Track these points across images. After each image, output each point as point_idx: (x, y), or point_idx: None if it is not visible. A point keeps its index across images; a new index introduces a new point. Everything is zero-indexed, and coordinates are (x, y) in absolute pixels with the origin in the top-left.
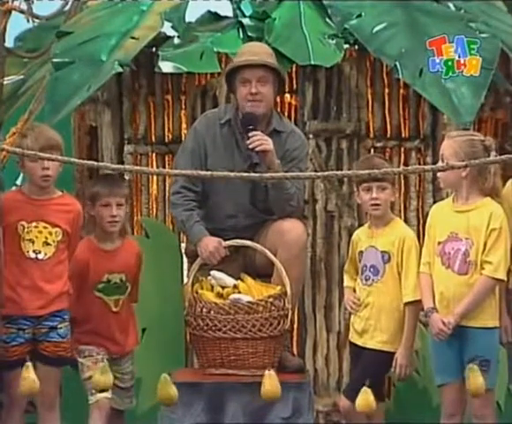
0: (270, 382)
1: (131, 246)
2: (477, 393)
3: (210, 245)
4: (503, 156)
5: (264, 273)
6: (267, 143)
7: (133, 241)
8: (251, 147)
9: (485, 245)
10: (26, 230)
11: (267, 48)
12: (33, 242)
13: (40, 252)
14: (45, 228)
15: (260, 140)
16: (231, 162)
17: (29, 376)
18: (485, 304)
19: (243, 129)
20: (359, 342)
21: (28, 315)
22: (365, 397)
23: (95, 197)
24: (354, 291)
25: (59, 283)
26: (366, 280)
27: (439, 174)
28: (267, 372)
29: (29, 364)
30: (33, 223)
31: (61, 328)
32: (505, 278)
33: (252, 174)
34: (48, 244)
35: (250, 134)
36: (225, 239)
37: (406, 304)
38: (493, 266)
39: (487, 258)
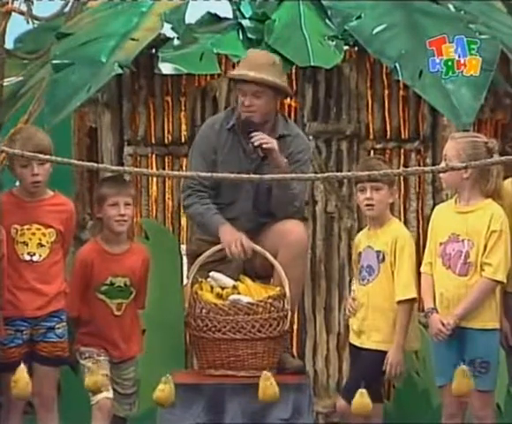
0: (267, 384)
1: (139, 251)
2: (458, 394)
3: (234, 232)
4: (503, 158)
5: (263, 275)
6: (271, 142)
7: (141, 246)
8: (255, 144)
9: (485, 246)
10: (19, 233)
11: (270, 57)
12: (26, 245)
13: (34, 254)
14: (38, 229)
15: (264, 138)
16: (238, 166)
17: (23, 378)
18: (485, 305)
19: (243, 134)
20: (357, 342)
21: (26, 317)
22: (361, 400)
23: (103, 198)
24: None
25: (56, 283)
26: (363, 280)
27: (441, 175)
28: (263, 374)
29: (23, 366)
30: (26, 226)
31: (59, 328)
32: (505, 280)
33: (253, 176)
34: (42, 245)
35: (252, 134)
36: None
37: (398, 302)
38: (492, 267)
39: (487, 260)
